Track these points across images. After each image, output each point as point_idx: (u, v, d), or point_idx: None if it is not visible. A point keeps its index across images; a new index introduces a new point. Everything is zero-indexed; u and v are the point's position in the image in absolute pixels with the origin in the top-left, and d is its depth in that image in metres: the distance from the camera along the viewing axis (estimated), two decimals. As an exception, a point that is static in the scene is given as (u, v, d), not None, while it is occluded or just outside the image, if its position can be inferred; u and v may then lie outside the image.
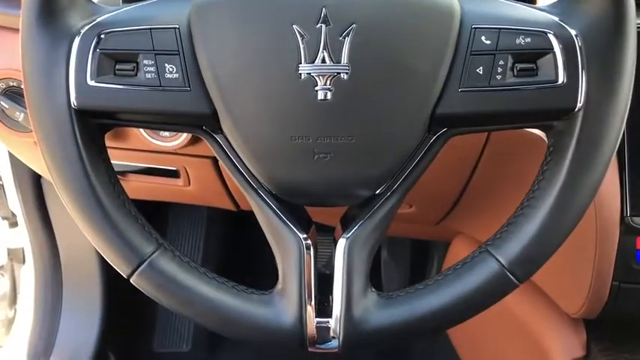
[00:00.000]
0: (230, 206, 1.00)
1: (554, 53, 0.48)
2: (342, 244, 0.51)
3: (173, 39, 0.48)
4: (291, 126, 0.48)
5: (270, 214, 0.52)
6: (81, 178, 0.49)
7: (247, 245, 1.44)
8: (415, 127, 0.49)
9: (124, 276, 0.51)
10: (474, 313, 0.52)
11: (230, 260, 1.43)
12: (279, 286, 0.52)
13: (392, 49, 0.47)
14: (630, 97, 0.50)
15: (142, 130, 0.76)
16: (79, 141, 0.48)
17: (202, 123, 0.51)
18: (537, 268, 0.51)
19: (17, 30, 0.73)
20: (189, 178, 0.90)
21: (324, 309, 0.51)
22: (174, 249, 0.52)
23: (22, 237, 1.22)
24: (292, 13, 0.47)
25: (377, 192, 0.52)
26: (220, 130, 0.51)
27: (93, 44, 0.48)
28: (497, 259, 0.50)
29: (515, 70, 0.48)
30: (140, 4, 0.51)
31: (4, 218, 1.25)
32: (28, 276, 1.23)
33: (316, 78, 0.47)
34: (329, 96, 0.47)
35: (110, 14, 0.50)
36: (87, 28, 0.48)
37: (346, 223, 0.54)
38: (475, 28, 0.48)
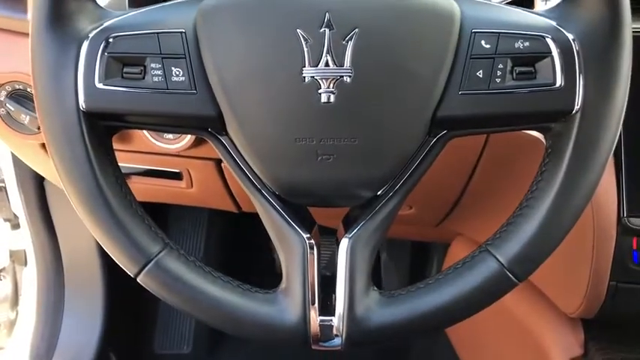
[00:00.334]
0: (231, 208, 1.01)
1: (552, 57, 0.49)
2: (344, 243, 0.52)
3: (179, 43, 0.49)
4: (294, 128, 0.49)
5: (274, 215, 0.53)
6: (89, 179, 0.50)
7: (247, 246, 1.45)
8: (416, 129, 0.50)
9: (131, 275, 0.52)
10: (474, 311, 0.53)
11: (230, 261, 1.43)
12: (283, 285, 0.53)
13: (394, 53, 0.48)
14: (626, 99, 0.51)
15: (145, 132, 0.77)
16: (88, 143, 0.49)
17: (208, 125, 0.52)
18: (536, 267, 0.52)
19: (23, 34, 0.76)
20: (191, 180, 0.91)
21: (327, 307, 0.52)
22: (179, 248, 0.53)
23: (24, 239, 1.22)
24: (296, 18, 0.48)
25: (379, 193, 0.53)
26: (225, 132, 0.52)
27: (101, 48, 0.49)
28: (496, 259, 0.51)
29: (514, 74, 0.49)
30: (147, 8, 0.52)
31: (6, 220, 1.26)
32: (30, 278, 1.23)
33: (320, 81, 0.48)
34: (332, 99, 0.48)
35: (118, 18, 0.51)
36: (95, 32, 0.49)
37: (348, 224, 0.55)
38: (475, 32, 0.49)
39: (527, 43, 0.49)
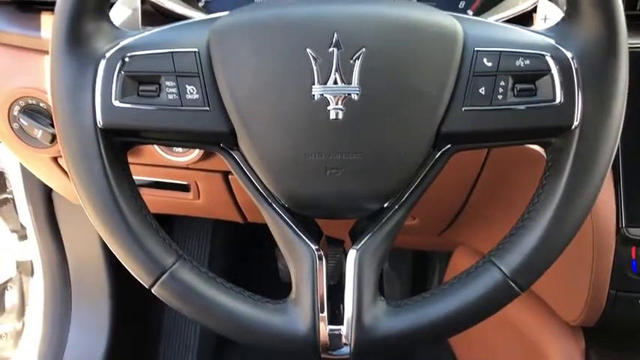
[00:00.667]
0: (237, 218, 1.02)
1: (551, 75, 0.51)
2: (352, 255, 0.54)
3: (193, 62, 0.51)
4: (304, 143, 0.51)
5: (283, 227, 0.55)
6: (105, 194, 0.52)
7: (252, 255, 1.46)
8: (421, 144, 0.52)
9: (146, 286, 0.53)
10: (478, 320, 0.54)
11: (235, 270, 1.44)
12: (292, 295, 0.54)
13: (399, 72, 0.50)
14: (623, 114, 0.53)
15: (156, 146, 0.79)
16: (104, 158, 0.51)
17: (220, 140, 0.54)
18: (538, 277, 0.53)
19: (35, 50, 0.78)
20: (199, 191, 0.92)
21: (335, 317, 0.54)
22: (192, 260, 0.55)
23: (31, 250, 1.23)
24: (306, 38, 0.50)
25: (385, 205, 0.55)
26: (237, 147, 0.53)
27: (118, 67, 0.51)
28: (500, 269, 0.53)
29: (515, 90, 0.51)
30: (161, 28, 0.54)
31: (13, 231, 1.27)
32: (36, 288, 1.24)
33: (328, 98, 0.50)
34: (340, 115, 0.50)
35: (133, 38, 0.53)
36: (112, 51, 0.51)
37: (356, 235, 0.56)
38: (477, 51, 0.51)
39: (527, 61, 0.51)
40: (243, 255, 1.47)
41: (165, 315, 1.36)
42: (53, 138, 0.78)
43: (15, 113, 0.78)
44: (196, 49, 0.51)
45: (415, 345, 0.56)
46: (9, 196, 1.22)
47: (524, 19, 0.74)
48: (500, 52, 0.51)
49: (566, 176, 0.52)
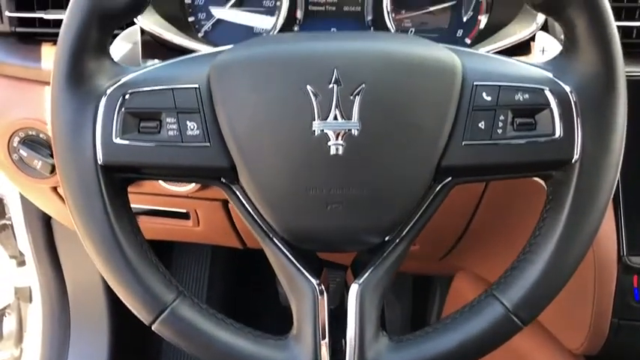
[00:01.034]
0: (237, 244, 1.02)
1: (550, 109, 0.51)
2: (354, 290, 0.53)
3: (194, 98, 0.51)
4: (305, 178, 0.51)
5: (284, 261, 0.55)
6: (105, 230, 0.51)
7: (251, 280, 1.45)
8: (422, 178, 0.52)
9: (146, 323, 0.53)
10: (481, 355, 0.54)
11: (235, 295, 1.43)
12: (294, 331, 0.54)
13: (399, 107, 0.50)
14: (623, 146, 0.53)
15: (156, 177, 0.79)
16: (105, 195, 0.51)
17: (221, 175, 0.54)
18: (540, 311, 0.53)
19: (36, 81, 0.78)
20: (198, 219, 0.92)
21: (337, 353, 0.53)
22: (192, 296, 0.54)
23: (29, 276, 1.23)
24: (306, 74, 0.50)
25: (386, 238, 0.55)
26: (238, 182, 0.53)
27: (118, 104, 0.51)
28: (502, 303, 0.53)
29: (515, 125, 0.51)
30: (162, 63, 0.54)
31: (12, 257, 1.26)
32: (35, 315, 1.24)
33: (329, 134, 0.50)
34: (341, 151, 0.50)
35: (134, 74, 0.53)
36: (113, 88, 0.51)
37: (357, 269, 0.56)
38: (477, 85, 0.52)
39: (526, 95, 0.51)
40: (242, 279, 1.47)
41: (164, 343, 1.35)
42: (53, 169, 0.78)
43: (15, 144, 0.78)
44: (197, 85, 0.52)
45: None
46: (7, 222, 1.22)
47: (522, 47, 0.75)
48: (500, 86, 0.52)
49: (567, 210, 0.52)
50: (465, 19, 0.82)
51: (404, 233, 0.55)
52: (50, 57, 0.75)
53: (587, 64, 0.52)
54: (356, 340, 0.52)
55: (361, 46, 0.52)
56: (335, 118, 0.50)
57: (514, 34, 0.75)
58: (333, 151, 0.50)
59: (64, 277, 1.18)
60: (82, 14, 0.50)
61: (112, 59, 0.54)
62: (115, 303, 1.17)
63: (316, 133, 0.50)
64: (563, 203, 0.52)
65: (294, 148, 0.50)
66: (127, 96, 0.51)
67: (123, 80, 0.52)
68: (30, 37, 0.78)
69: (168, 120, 0.51)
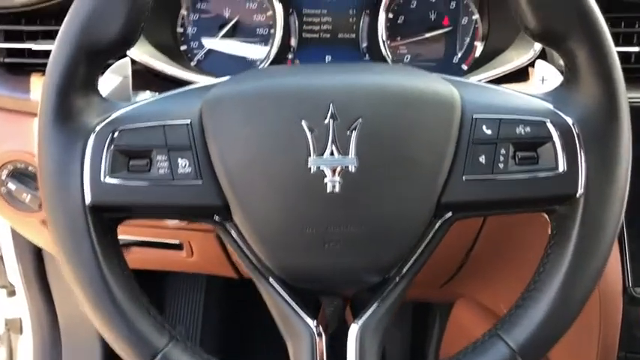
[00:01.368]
0: (232, 274, 1.00)
1: (553, 142, 0.50)
2: (353, 330, 0.51)
3: (185, 134, 0.50)
4: (301, 217, 0.49)
5: (279, 302, 0.53)
6: (94, 273, 0.49)
7: (246, 311, 1.43)
8: (421, 215, 0.51)
9: None
10: None
11: (229, 325, 1.41)
12: None
13: (397, 142, 0.49)
14: (629, 179, 0.51)
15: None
16: (93, 236, 0.49)
17: (214, 213, 0.52)
18: (546, 352, 0.51)
19: (24, 113, 0.76)
20: (192, 250, 0.90)
21: None
22: (185, 340, 0.52)
23: (20, 307, 1.20)
24: (301, 109, 0.49)
25: (386, 277, 0.53)
26: (231, 220, 0.51)
27: (107, 141, 0.49)
28: (507, 344, 0.51)
29: (516, 159, 0.50)
30: (153, 99, 0.53)
31: (2, 287, 1.24)
32: (25, 347, 1.21)
33: (325, 171, 0.48)
34: (337, 188, 0.48)
35: (124, 110, 0.51)
36: (101, 125, 0.50)
37: (357, 308, 0.54)
38: (476, 118, 0.50)
39: (528, 129, 0.50)
40: (237, 308, 1.44)
41: None
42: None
43: (3, 177, 0.76)
44: (189, 121, 0.50)
45: None
46: (-2, 251, 1.20)
47: (519, 74, 0.74)
48: (500, 119, 0.50)
49: (572, 246, 0.50)
50: (461, 46, 0.81)
51: (404, 271, 0.53)
52: (39, 88, 0.73)
53: (589, 95, 0.50)
54: None
55: (357, 79, 0.51)
56: (331, 154, 0.48)
57: (511, 60, 0.74)
58: (329, 189, 0.48)
59: (56, 308, 1.16)
60: (69, 49, 0.49)
61: (101, 95, 0.52)
62: None
63: (312, 170, 0.48)
64: (568, 238, 0.50)
65: (289, 186, 0.49)
66: (116, 133, 0.50)
67: (112, 117, 0.50)
68: (19, 68, 0.76)
69: (159, 158, 0.49)
